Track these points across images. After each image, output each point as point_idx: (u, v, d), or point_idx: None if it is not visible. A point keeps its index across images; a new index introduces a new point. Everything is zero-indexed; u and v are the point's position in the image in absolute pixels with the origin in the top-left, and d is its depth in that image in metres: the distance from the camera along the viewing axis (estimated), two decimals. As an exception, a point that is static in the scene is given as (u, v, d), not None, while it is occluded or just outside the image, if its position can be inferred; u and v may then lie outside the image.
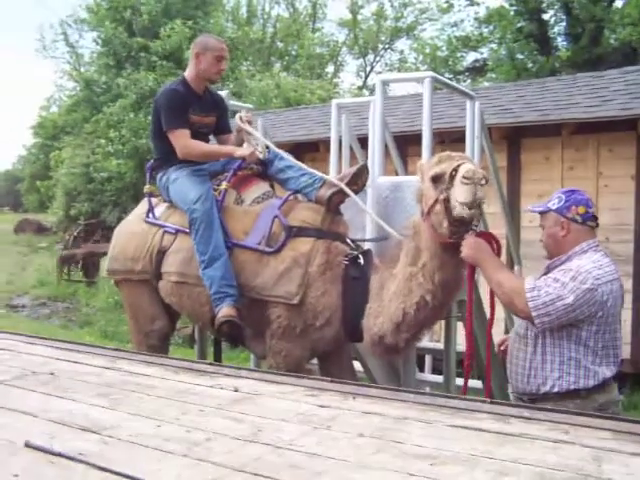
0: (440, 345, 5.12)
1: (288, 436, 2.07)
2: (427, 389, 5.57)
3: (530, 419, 2.18)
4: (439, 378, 5.35)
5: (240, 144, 4.63)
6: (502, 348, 3.92)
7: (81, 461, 1.85)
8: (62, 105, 34.89)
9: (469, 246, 3.47)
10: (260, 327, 4.22)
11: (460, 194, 3.31)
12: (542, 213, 3.63)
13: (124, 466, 1.84)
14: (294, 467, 1.83)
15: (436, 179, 3.48)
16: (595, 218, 3.56)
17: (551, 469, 1.78)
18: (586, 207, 3.52)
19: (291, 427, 2.16)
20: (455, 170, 3.37)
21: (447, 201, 3.40)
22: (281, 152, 4.57)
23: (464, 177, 3.29)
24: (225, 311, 4.11)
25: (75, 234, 19.79)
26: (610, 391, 3.46)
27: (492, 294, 3.64)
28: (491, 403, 2.37)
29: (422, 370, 6.35)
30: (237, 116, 4.57)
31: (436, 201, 3.47)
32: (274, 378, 2.84)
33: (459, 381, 5.50)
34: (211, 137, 5.03)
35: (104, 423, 2.21)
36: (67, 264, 17.74)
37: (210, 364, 3.17)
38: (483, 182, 3.33)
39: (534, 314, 3.27)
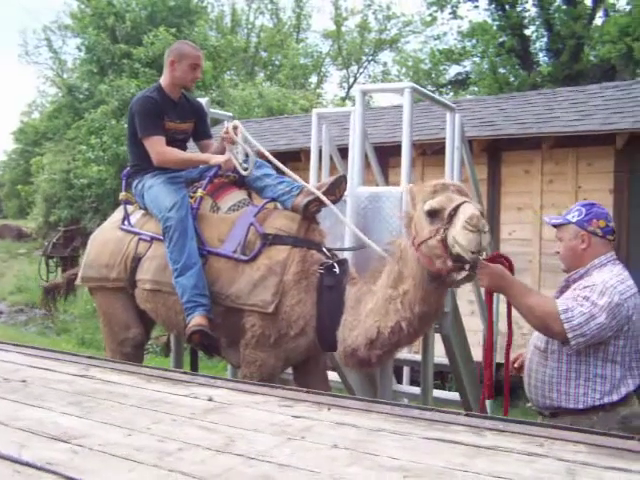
0: (418, 357, 5.11)
1: (261, 447, 2.04)
2: (405, 400, 5.58)
3: (505, 432, 2.17)
4: (417, 390, 5.35)
5: (223, 152, 4.58)
6: (516, 365, 3.87)
7: (49, 471, 1.81)
8: (44, 111, 34.76)
9: (489, 275, 3.41)
10: (235, 336, 4.19)
11: (464, 240, 3.23)
12: (560, 225, 3.60)
13: (93, 476, 1.81)
14: (266, 478, 1.80)
15: (432, 214, 3.42)
16: (614, 232, 3.56)
17: (525, 482, 1.77)
18: (606, 221, 3.51)
19: (264, 438, 2.14)
20: (455, 210, 3.32)
21: (445, 240, 3.34)
22: (268, 160, 4.50)
23: (468, 224, 3.22)
24: (196, 320, 4.07)
25: (54, 240, 19.61)
26: (632, 403, 3.44)
27: (509, 314, 3.62)
28: (466, 415, 2.35)
29: (400, 382, 6.35)
30: (230, 124, 4.50)
31: (431, 237, 3.41)
32: (249, 388, 2.81)
33: (436, 393, 5.51)
34: (194, 145, 5.01)
35: (74, 432, 2.17)
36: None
37: (184, 373, 3.14)
38: (487, 229, 3.26)
39: (570, 335, 3.24)
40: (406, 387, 6.16)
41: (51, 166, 22.14)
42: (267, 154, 4.47)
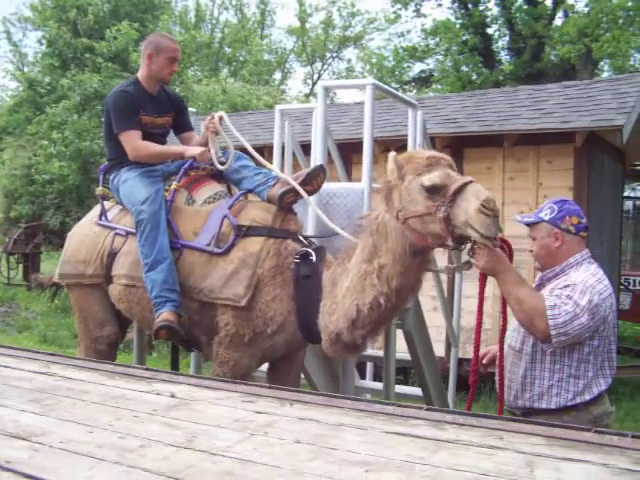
0: (381, 352, 5.14)
1: (223, 443, 2.04)
2: (367, 396, 5.60)
3: (465, 425, 2.19)
4: (379, 385, 5.38)
5: (205, 144, 4.51)
6: (485, 361, 3.83)
7: (8, 469, 1.80)
8: (4, 105, 34.13)
9: (487, 257, 3.33)
10: (214, 334, 4.09)
11: (481, 225, 3.16)
12: (533, 224, 3.56)
13: (54, 474, 1.79)
14: (229, 474, 1.81)
15: (432, 190, 3.34)
16: (587, 228, 3.53)
17: (485, 475, 1.79)
18: (579, 217, 3.48)
19: (227, 433, 2.14)
20: (461, 189, 3.26)
21: (448, 218, 3.28)
22: (249, 153, 4.48)
23: (485, 207, 3.15)
24: (163, 316, 4.01)
25: (15, 237, 19.35)
26: (604, 402, 3.46)
27: (504, 303, 3.55)
28: (427, 410, 2.38)
29: (364, 377, 6.38)
30: (216, 114, 4.46)
31: (429, 213, 3.34)
32: (211, 384, 2.80)
33: (399, 388, 5.55)
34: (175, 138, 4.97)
35: (34, 429, 2.15)
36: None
37: (146, 369, 3.11)
38: (499, 212, 3.21)
39: (553, 333, 3.21)
40: (369, 382, 6.19)
41: (12, 161, 21.77)
42: (249, 147, 4.45)
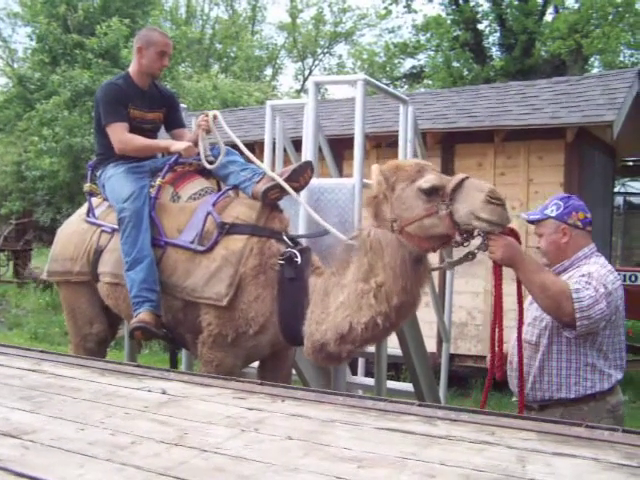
0: (372, 348, 5.14)
1: (215, 439, 2.04)
2: (359, 392, 5.60)
3: (456, 421, 2.20)
4: (371, 381, 5.38)
5: (196, 141, 4.42)
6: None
7: (-2, 467, 1.79)
8: (-7, 101, 34.03)
9: (503, 247, 3.30)
10: (197, 332, 4.05)
11: (491, 214, 3.22)
12: (539, 221, 3.62)
13: (45, 471, 1.79)
14: (220, 470, 1.81)
15: (431, 192, 3.35)
16: (591, 223, 3.61)
17: (477, 470, 1.79)
18: (584, 212, 3.57)
19: (218, 430, 2.14)
20: (459, 185, 3.30)
21: (451, 215, 3.30)
22: (241, 152, 4.42)
23: (491, 197, 3.21)
24: (140, 317, 3.96)
25: (6, 234, 19.28)
26: (618, 392, 3.53)
27: (519, 293, 3.52)
28: (418, 405, 2.38)
29: (355, 373, 6.38)
30: (210, 113, 4.42)
31: (429, 215, 3.35)
32: (202, 381, 2.80)
33: (390, 384, 5.55)
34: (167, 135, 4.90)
35: (25, 427, 2.15)
36: None
37: (138, 366, 3.10)
38: (505, 200, 3.29)
39: (578, 316, 3.25)
40: (360, 378, 6.19)
41: (2, 158, 21.69)
42: (241, 145, 4.39)
